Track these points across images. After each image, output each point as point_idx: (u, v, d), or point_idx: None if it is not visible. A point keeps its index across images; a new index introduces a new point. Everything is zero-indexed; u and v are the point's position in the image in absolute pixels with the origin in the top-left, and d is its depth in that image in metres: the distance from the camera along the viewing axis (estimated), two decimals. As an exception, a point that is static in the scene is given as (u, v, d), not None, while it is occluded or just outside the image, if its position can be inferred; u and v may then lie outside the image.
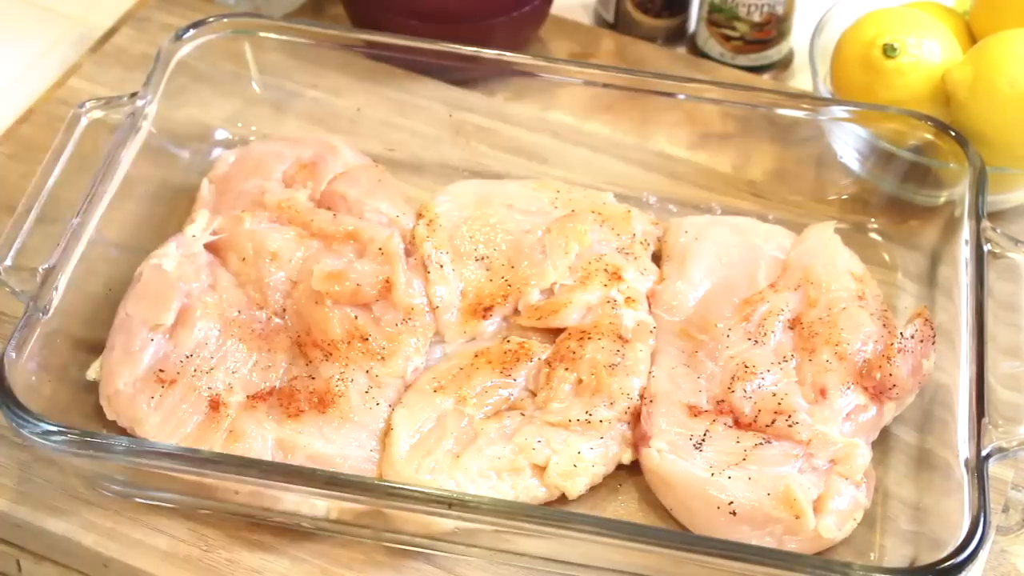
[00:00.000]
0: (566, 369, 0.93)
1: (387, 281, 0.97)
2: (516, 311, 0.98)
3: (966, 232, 0.96)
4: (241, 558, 0.87)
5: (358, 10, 1.21)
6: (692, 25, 1.27)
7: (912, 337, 0.92)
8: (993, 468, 0.84)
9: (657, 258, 1.04)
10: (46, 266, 0.91)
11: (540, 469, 0.89)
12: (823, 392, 0.91)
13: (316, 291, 0.96)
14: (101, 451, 0.83)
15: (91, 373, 0.93)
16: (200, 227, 1.01)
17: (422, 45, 1.07)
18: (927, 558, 0.81)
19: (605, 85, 1.08)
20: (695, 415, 0.91)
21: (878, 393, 0.92)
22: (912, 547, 0.87)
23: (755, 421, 0.91)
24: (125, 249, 1.00)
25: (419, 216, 1.03)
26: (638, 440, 0.91)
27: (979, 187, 0.97)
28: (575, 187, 1.07)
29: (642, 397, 0.92)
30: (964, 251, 0.95)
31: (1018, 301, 0.95)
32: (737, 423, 0.91)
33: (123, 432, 0.90)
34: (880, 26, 1.06)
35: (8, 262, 0.90)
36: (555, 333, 0.97)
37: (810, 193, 1.11)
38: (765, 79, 1.24)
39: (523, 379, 0.94)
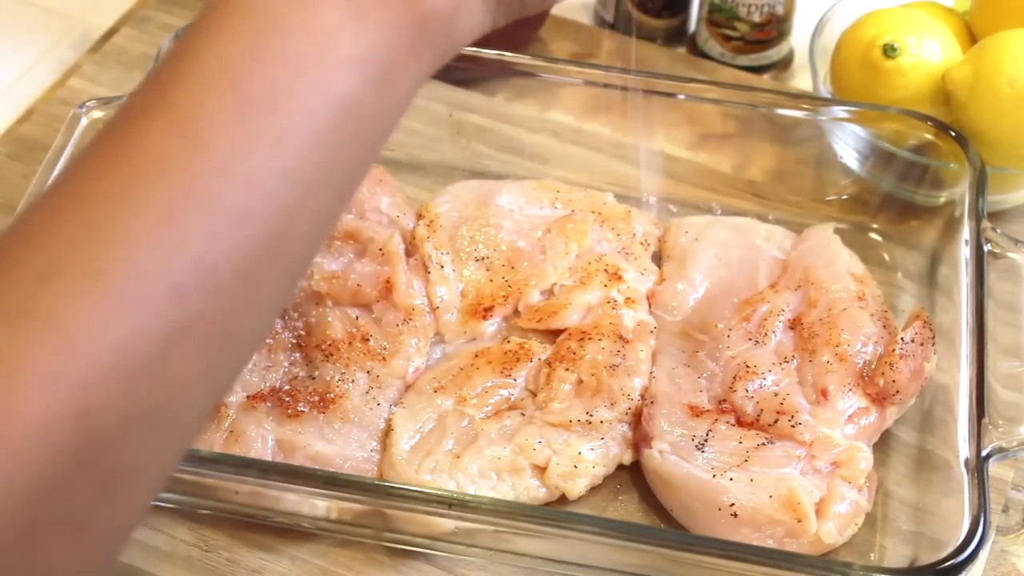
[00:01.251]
0: (566, 369, 0.93)
1: (388, 281, 0.97)
2: (516, 312, 0.98)
3: (966, 232, 0.96)
4: (241, 558, 0.87)
5: (358, 10, 1.20)
6: (692, 25, 1.27)
7: (912, 341, 0.92)
8: (993, 468, 0.84)
9: (657, 258, 1.04)
10: (46, 266, 0.91)
11: (540, 470, 0.89)
12: (824, 393, 0.91)
13: (316, 291, 0.96)
14: (101, 451, 0.83)
15: (91, 373, 0.93)
16: (200, 227, 1.01)
17: (422, 45, 1.07)
18: (927, 558, 0.81)
19: (605, 85, 1.08)
20: (697, 415, 0.91)
21: (880, 399, 0.92)
22: (912, 547, 0.87)
23: (757, 420, 0.91)
24: (125, 249, 1.00)
25: (419, 217, 1.04)
26: (639, 441, 0.91)
27: (979, 187, 0.97)
28: (575, 187, 1.07)
29: (643, 397, 0.92)
30: (964, 251, 0.95)
31: (1018, 301, 0.95)
32: (739, 422, 0.91)
33: (123, 432, 0.90)
34: (880, 26, 1.06)
35: (8, 262, 0.90)
36: (555, 333, 0.97)
37: (810, 193, 1.11)
38: (765, 79, 1.24)
39: (523, 379, 0.94)
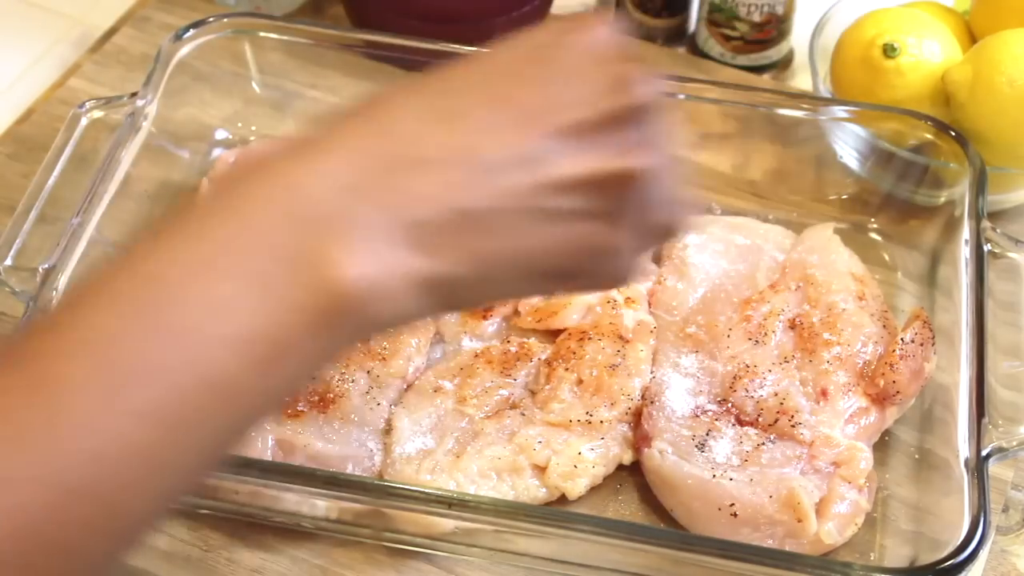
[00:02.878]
0: (566, 369, 0.93)
1: (387, 281, 0.96)
2: (516, 311, 0.98)
3: (966, 232, 0.96)
4: (241, 558, 0.87)
5: (358, 10, 1.21)
6: (692, 25, 1.27)
7: (912, 341, 0.92)
8: (993, 468, 0.84)
9: (657, 258, 1.04)
10: (46, 266, 0.91)
11: (540, 469, 0.89)
12: (824, 393, 0.91)
13: (316, 291, 0.96)
14: (101, 451, 0.83)
15: (91, 373, 0.93)
16: (200, 227, 1.01)
17: (422, 45, 1.07)
18: (927, 558, 0.81)
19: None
20: (697, 415, 0.91)
21: (880, 399, 0.92)
22: (912, 547, 0.87)
23: (758, 420, 0.91)
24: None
25: (419, 216, 1.03)
26: (639, 441, 0.91)
27: (979, 187, 0.97)
28: (575, 187, 1.07)
29: (643, 397, 0.92)
30: (964, 251, 0.95)
31: (1018, 301, 0.95)
32: (739, 422, 0.91)
33: (123, 432, 0.90)
34: (880, 26, 1.06)
35: (8, 262, 0.90)
36: (555, 333, 0.97)
37: (810, 193, 1.11)
38: (765, 79, 1.24)
39: (523, 379, 0.94)
